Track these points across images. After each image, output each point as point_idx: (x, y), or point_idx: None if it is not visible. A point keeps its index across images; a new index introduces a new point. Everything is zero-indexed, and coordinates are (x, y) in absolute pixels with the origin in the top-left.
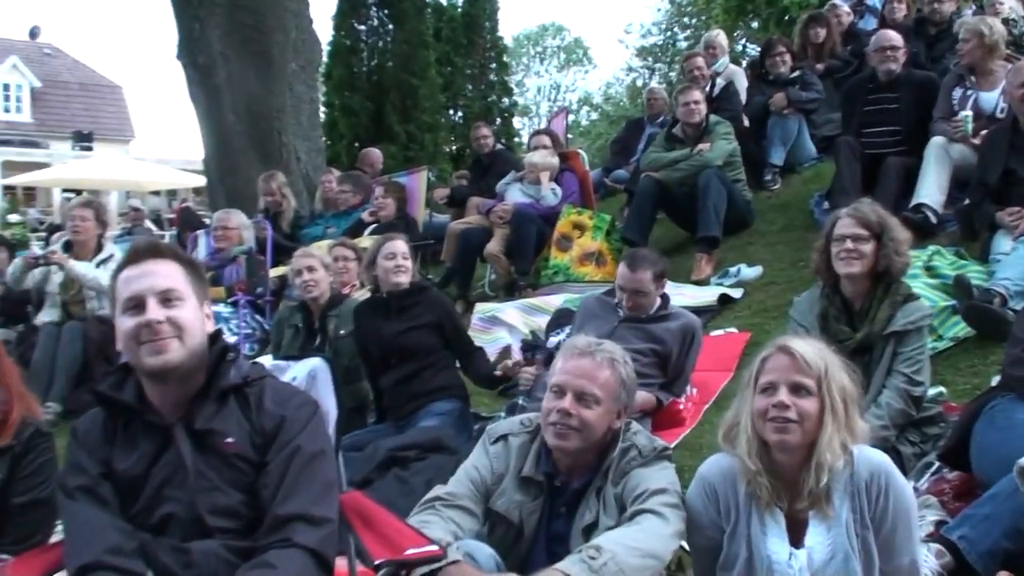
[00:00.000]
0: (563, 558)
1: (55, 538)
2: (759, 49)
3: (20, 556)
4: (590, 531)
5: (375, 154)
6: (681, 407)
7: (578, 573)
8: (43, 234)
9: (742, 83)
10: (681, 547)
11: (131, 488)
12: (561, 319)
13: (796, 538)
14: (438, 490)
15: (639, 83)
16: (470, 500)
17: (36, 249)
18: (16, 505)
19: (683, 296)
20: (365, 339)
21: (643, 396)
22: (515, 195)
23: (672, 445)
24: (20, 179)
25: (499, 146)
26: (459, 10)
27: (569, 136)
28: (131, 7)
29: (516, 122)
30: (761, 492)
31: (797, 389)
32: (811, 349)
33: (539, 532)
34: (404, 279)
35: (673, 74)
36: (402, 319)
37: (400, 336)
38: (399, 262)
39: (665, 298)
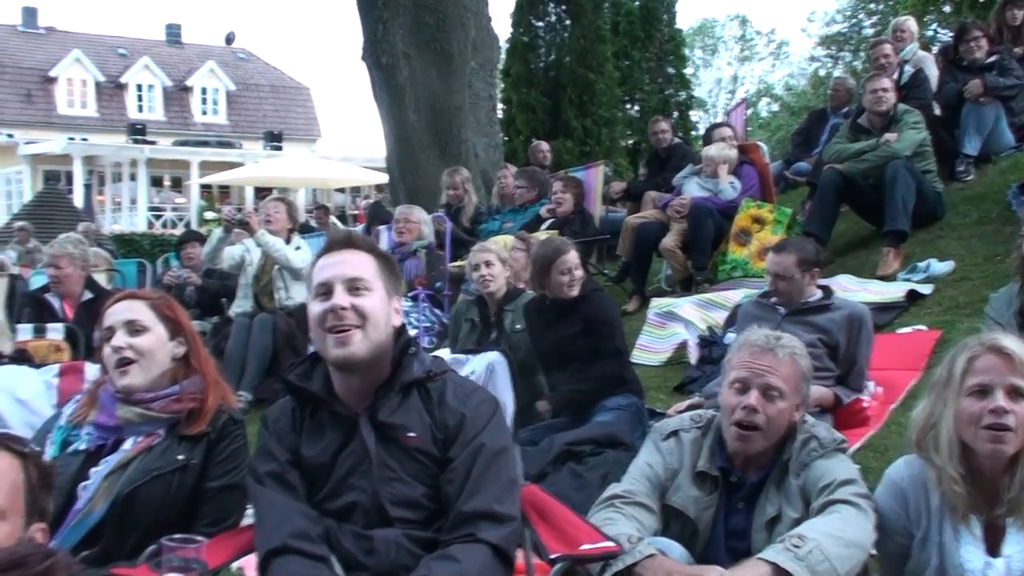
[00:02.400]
0: (744, 554)
1: (246, 521)
2: (951, 34)
3: (214, 538)
4: (773, 524)
5: (543, 147)
6: (865, 406)
7: (784, 562)
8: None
9: (932, 70)
10: None
11: (317, 475)
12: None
13: (993, 546)
14: (615, 488)
15: (822, 73)
16: (647, 497)
17: (232, 211)
18: (210, 489)
19: (868, 292)
20: (534, 338)
21: (819, 391)
22: (692, 189)
23: (856, 446)
24: (215, 178)
25: (676, 140)
26: (636, 3)
27: (748, 128)
28: (320, 11)
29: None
30: (957, 500)
31: (1014, 393)
32: None
33: (716, 528)
34: (576, 291)
35: (858, 63)
36: (562, 325)
37: (562, 342)
38: (573, 276)
39: (827, 290)
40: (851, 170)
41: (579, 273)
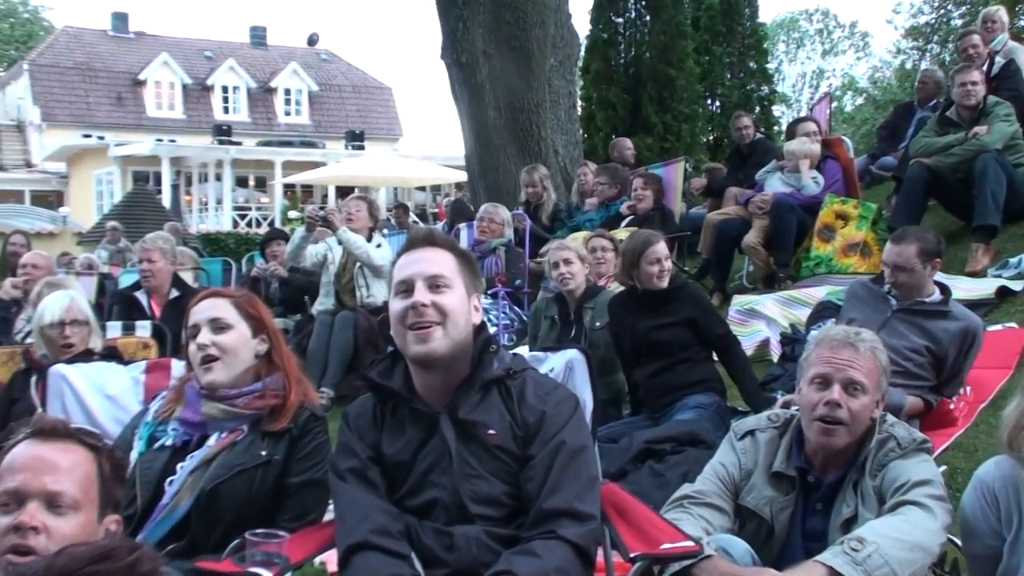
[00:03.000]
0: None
1: (327, 517)
2: None
3: (296, 533)
4: (849, 526)
5: (624, 143)
6: (952, 407)
7: (840, 565)
8: (321, 228)
9: (1023, 60)
10: (955, 547)
11: (398, 472)
12: (823, 312)
13: None
14: (686, 488)
15: (908, 65)
16: (719, 497)
17: (315, 209)
18: (293, 485)
19: (957, 288)
20: (619, 332)
21: (912, 401)
22: (775, 185)
23: (944, 447)
24: (298, 178)
25: (758, 135)
26: None
27: (832, 123)
28: (401, 11)
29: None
30: None
31: None
32: None
33: (792, 528)
34: (666, 283)
35: (946, 55)
36: (656, 315)
37: (652, 332)
38: (663, 266)
39: (946, 291)
40: (939, 164)
41: (668, 264)
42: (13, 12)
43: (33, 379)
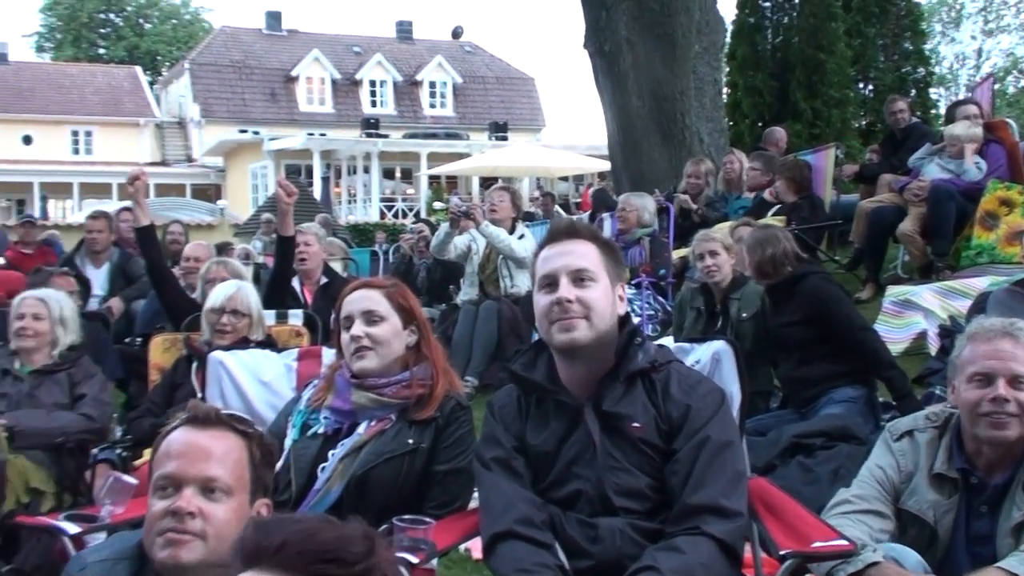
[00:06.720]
0: (988, 560)
1: (472, 505)
2: None
3: (442, 520)
4: (1020, 530)
5: (779, 133)
6: None
7: None
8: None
9: None
10: None
11: (542, 463)
12: (985, 304)
13: None
14: (843, 494)
15: None
16: (879, 501)
17: (458, 203)
18: (438, 472)
19: None
20: (765, 326)
21: None
22: (932, 171)
23: None
24: (443, 169)
25: (913, 119)
26: None
27: (995, 106)
28: (543, 2)
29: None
30: None
31: None
32: None
33: (956, 533)
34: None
35: None
36: (779, 312)
37: (780, 329)
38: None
39: None
40: None
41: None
42: (175, 13)
43: (194, 365)
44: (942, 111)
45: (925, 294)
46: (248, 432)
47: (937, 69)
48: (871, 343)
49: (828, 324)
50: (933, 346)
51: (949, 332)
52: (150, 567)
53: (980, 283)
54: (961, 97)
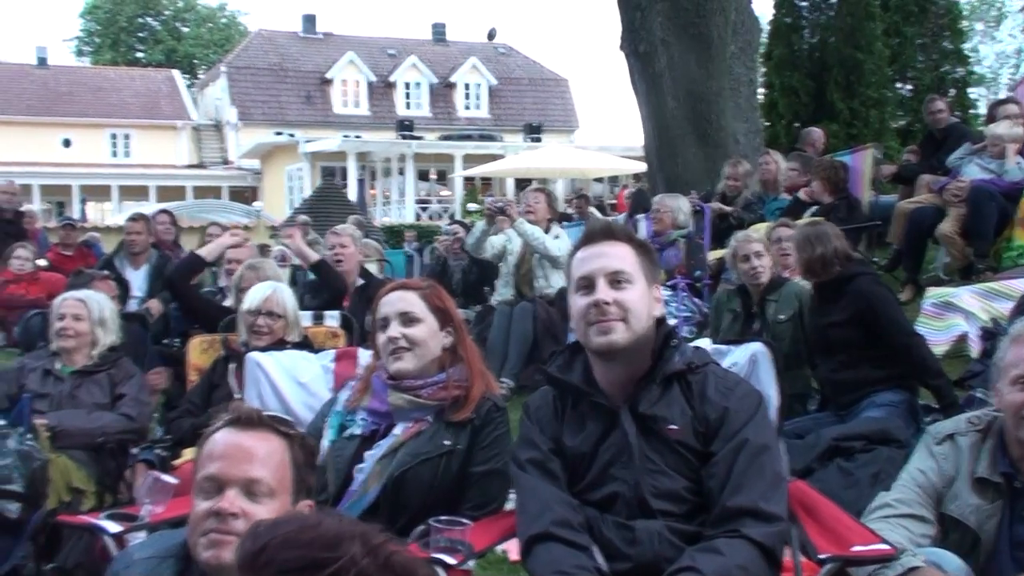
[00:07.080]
0: None
1: (508, 506)
2: None
3: (478, 521)
4: None
5: (816, 133)
6: None
7: None
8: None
9: None
10: None
11: (579, 465)
12: None
13: None
14: (883, 498)
15: None
16: (920, 506)
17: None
18: (475, 474)
19: None
20: (804, 326)
21: None
22: (972, 171)
23: None
24: (477, 170)
25: (952, 119)
26: None
27: None
28: (577, 3)
29: (972, 93)
30: None
31: None
32: None
33: (1000, 538)
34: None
35: None
36: (826, 311)
37: (826, 329)
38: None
39: None
40: None
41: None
42: (212, 17)
43: (232, 366)
44: (981, 111)
45: (965, 296)
46: (290, 434)
47: (978, 68)
48: (919, 349)
49: (875, 327)
50: (974, 348)
51: (991, 334)
52: (195, 566)
53: (1022, 284)
54: (1001, 96)
